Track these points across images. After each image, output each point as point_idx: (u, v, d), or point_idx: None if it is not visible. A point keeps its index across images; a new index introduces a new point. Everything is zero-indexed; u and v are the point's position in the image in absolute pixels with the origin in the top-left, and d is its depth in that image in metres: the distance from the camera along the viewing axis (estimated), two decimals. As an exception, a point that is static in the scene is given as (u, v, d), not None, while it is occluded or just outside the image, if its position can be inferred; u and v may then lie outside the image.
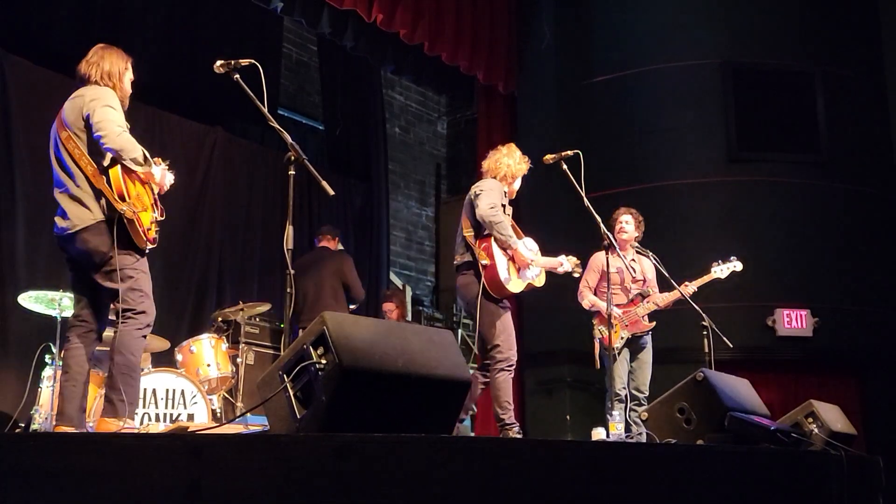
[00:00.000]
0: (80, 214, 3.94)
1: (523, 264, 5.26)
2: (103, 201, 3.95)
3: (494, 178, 5.37)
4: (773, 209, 8.03)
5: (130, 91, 4.26)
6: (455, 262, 5.35)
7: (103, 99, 3.98)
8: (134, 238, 3.95)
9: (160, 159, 4.37)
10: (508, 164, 5.39)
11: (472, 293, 5.16)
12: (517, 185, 5.49)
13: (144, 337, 4.01)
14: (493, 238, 5.14)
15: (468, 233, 5.27)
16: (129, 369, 3.90)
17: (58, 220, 4.02)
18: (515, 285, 5.23)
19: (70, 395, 3.97)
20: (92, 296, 4.09)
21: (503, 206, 5.29)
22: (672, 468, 3.14)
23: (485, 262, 5.12)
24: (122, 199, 3.91)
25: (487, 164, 5.46)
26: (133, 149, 3.92)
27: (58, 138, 4.04)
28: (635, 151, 8.32)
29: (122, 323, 3.93)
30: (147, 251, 4.07)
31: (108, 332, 5.87)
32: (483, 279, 5.12)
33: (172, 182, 4.38)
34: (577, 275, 5.70)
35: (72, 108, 4.02)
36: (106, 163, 3.99)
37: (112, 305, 4.16)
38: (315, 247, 7.68)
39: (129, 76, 4.23)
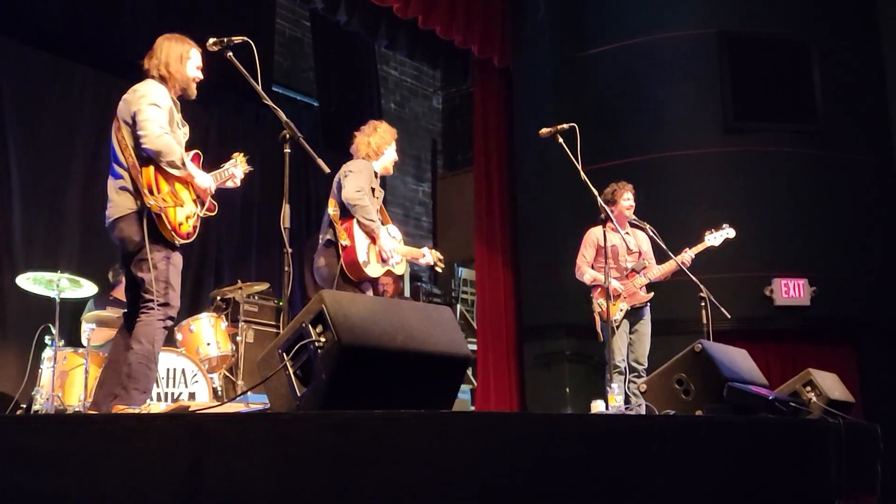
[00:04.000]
0: (118, 203, 3.97)
1: (382, 254, 5.16)
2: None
3: (360, 158, 5.28)
4: (769, 179, 8.02)
5: (197, 76, 4.22)
6: (319, 241, 5.21)
7: (150, 96, 3.97)
8: (162, 232, 3.95)
9: (240, 155, 4.52)
10: (368, 141, 5.31)
11: (331, 273, 5.05)
12: (388, 158, 5.38)
13: (166, 328, 4.02)
14: (354, 220, 5.05)
15: (333, 212, 5.16)
16: (146, 359, 3.92)
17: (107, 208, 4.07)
18: (374, 269, 5.14)
19: (99, 380, 4.13)
20: (132, 286, 4.11)
21: (372, 189, 5.20)
22: (671, 439, 3.16)
23: (345, 242, 5.02)
24: (151, 192, 3.90)
25: (353, 145, 5.38)
26: (170, 152, 3.92)
27: (112, 128, 4.07)
28: (631, 123, 8.30)
29: (143, 312, 3.94)
30: (179, 245, 4.05)
31: (109, 314, 5.90)
32: (341, 260, 5.02)
33: (237, 184, 4.47)
34: (439, 269, 5.68)
35: (125, 101, 4.03)
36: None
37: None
38: None
39: (193, 62, 4.18)
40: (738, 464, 3.38)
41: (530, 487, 2.64)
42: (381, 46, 9.91)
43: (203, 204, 4.21)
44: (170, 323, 4.03)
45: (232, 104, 8.57)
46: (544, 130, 5.24)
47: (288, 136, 3.81)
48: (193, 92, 4.24)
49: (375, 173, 5.32)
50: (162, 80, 4.09)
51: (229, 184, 4.46)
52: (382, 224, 5.27)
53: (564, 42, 8.77)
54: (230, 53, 3.87)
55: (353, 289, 5.06)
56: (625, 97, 8.39)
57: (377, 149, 5.31)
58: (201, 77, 4.25)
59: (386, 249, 5.17)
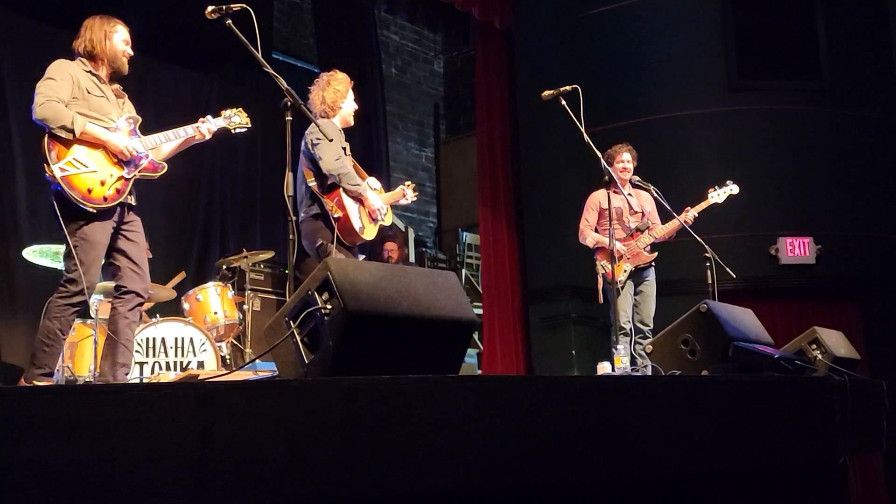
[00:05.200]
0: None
1: (374, 213, 5.10)
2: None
3: (322, 117, 5.09)
4: (774, 137, 7.98)
5: (125, 51, 4.26)
6: (301, 216, 5.01)
7: (48, 71, 4.07)
8: (72, 201, 3.94)
9: (234, 110, 4.59)
10: (322, 97, 5.14)
11: (318, 240, 4.96)
12: (346, 111, 5.18)
13: (73, 306, 4.01)
14: (341, 189, 4.95)
15: (312, 182, 5.01)
16: (44, 335, 3.97)
17: None
18: (370, 232, 5.10)
19: (103, 353, 4.23)
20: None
21: (343, 148, 5.08)
22: (678, 399, 3.18)
23: (337, 214, 4.92)
24: (47, 162, 3.92)
25: (309, 101, 5.15)
26: (56, 118, 3.93)
27: None
28: (635, 84, 8.24)
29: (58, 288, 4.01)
30: (101, 210, 4.03)
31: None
32: (336, 231, 4.93)
33: (204, 136, 4.47)
34: (413, 197, 5.57)
35: None
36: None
37: None
38: None
39: (118, 37, 4.24)
40: (745, 423, 3.41)
41: (538, 450, 2.66)
42: (381, 11, 9.83)
43: (135, 164, 4.19)
44: (76, 300, 4.00)
45: (232, 72, 8.52)
46: (547, 93, 5.20)
47: (289, 103, 3.80)
48: (124, 66, 4.28)
49: (340, 130, 5.15)
50: (89, 56, 4.19)
51: (207, 134, 4.49)
52: (362, 180, 5.17)
53: (566, 2, 8.69)
54: (229, 21, 3.84)
55: (347, 253, 5.02)
56: (628, 57, 8.32)
57: (332, 104, 5.13)
58: (130, 53, 4.30)
59: (375, 208, 5.10)
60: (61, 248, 5.45)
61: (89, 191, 3.98)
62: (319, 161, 4.94)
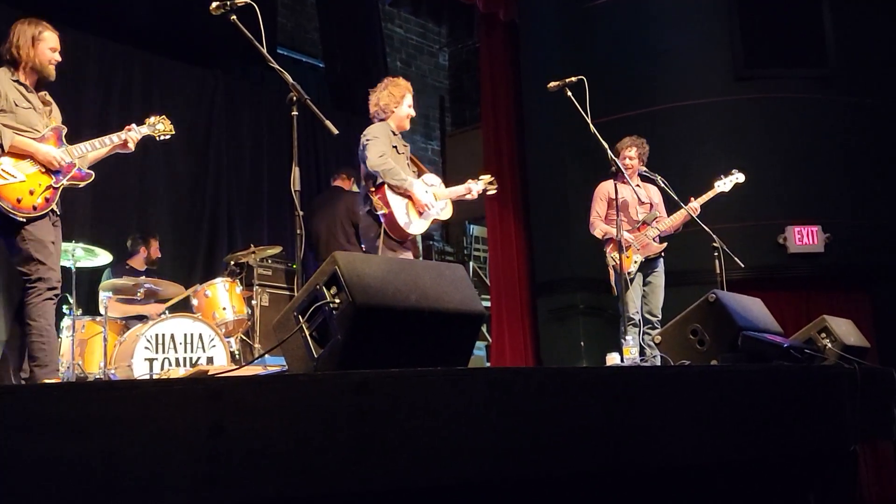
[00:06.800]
0: None
1: (421, 208, 5.11)
2: None
3: (377, 120, 5.22)
4: (781, 126, 7.95)
5: (52, 58, 4.27)
6: (360, 212, 5.18)
7: None
8: (3, 211, 4.00)
9: (158, 117, 4.62)
10: (376, 101, 5.23)
11: (371, 235, 5.04)
12: (400, 114, 5.25)
13: (49, 300, 4.08)
14: (386, 186, 4.99)
15: (365, 183, 5.13)
16: (35, 335, 4.00)
17: None
18: (418, 226, 5.12)
19: None
20: None
21: (394, 147, 5.14)
22: (687, 390, 3.18)
23: (382, 211, 4.97)
24: None
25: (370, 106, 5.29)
26: None
27: None
28: (640, 74, 8.21)
29: (27, 292, 4.06)
30: (30, 218, 4.08)
31: (125, 282, 5.93)
32: (383, 226, 4.99)
33: (130, 148, 4.50)
34: (492, 191, 5.54)
35: None
36: None
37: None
38: (330, 186, 7.63)
39: (46, 44, 4.24)
40: (755, 412, 3.40)
41: (547, 442, 2.66)
42: (386, 4, 9.81)
43: (64, 174, 4.22)
44: (49, 294, 4.07)
45: (236, 68, 8.52)
46: (552, 84, 5.19)
47: (295, 98, 3.79)
48: (50, 74, 4.28)
49: (393, 131, 5.22)
50: (12, 63, 4.18)
51: (132, 143, 4.53)
52: (420, 175, 5.20)
53: (570, -7, 8.67)
54: (234, 16, 3.84)
55: (398, 247, 5.06)
56: (633, 47, 8.29)
57: (384, 108, 5.23)
58: (57, 59, 4.29)
59: (422, 203, 5.09)
60: (70, 246, 5.49)
61: (18, 200, 4.04)
62: (366, 160, 5.01)
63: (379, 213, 4.99)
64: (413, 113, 5.35)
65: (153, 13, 7.58)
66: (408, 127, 5.35)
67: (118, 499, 1.96)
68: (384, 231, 4.98)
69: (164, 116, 4.74)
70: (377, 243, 4.97)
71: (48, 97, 4.36)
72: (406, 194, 5.06)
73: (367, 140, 5.05)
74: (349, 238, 7.21)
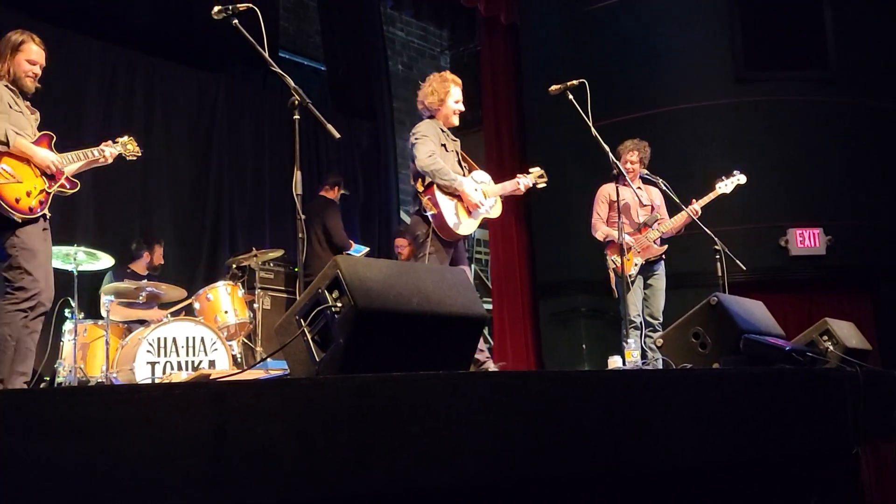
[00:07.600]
0: None
1: (472, 206, 5.02)
2: None
3: (425, 116, 5.14)
4: (782, 128, 7.95)
5: (28, 70, 4.27)
6: (411, 212, 5.13)
7: None
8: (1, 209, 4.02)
9: (128, 139, 4.68)
10: (423, 97, 5.14)
11: (419, 234, 4.98)
12: (445, 111, 5.12)
13: (23, 312, 4.03)
14: (435, 186, 4.92)
15: (415, 183, 5.05)
16: (3, 342, 3.97)
17: None
18: (467, 227, 5.04)
19: None
20: None
21: (443, 145, 5.06)
22: (689, 393, 3.18)
23: (431, 212, 4.90)
24: None
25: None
26: None
27: None
28: (642, 76, 8.22)
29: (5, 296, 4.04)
30: (26, 220, 4.10)
31: (127, 286, 5.94)
32: (432, 226, 4.92)
33: (108, 160, 4.55)
34: (542, 184, 5.47)
35: None
36: None
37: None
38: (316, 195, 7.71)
39: (21, 56, 4.25)
40: (757, 415, 3.40)
41: (549, 445, 2.66)
42: (387, 7, 9.82)
43: (55, 179, 4.26)
44: (27, 305, 4.03)
45: (238, 71, 8.54)
46: (554, 87, 5.19)
47: (297, 102, 3.79)
48: (25, 85, 4.29)
49: (441, 128, 5.12)
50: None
51: (110, 158, 4.61)
52: (470, 171, 5.15)
53: (571, -4, 8.68)
54: (236, 21, 3.84)
55: (448, 249, 4.99)
56: (634, 50, 8.30)
57: (429, 105, 5.13)
58: (36, 72, 4.30)
59: (473, 202, 5.01)
60: (72, 250, 5.51)
61: (17, 200, 4.06)
62: (415, 160, 4.95)
63: (428, 213, 4.93)
64: (461, 108, 5.21)
65: (155, 17, 7.59)
66: (456, 123, 5.22)
67: (120, 502, 1.97)
68: (433, 230, 4.91)
69: (132, 138, 4.81)
70: (426, 243, 4.90)
71: (32, 107, 4.39)
72: (455, 194, 4.98)
73: (416, 139, 4.97)
74: (322, 245, 7.26)
